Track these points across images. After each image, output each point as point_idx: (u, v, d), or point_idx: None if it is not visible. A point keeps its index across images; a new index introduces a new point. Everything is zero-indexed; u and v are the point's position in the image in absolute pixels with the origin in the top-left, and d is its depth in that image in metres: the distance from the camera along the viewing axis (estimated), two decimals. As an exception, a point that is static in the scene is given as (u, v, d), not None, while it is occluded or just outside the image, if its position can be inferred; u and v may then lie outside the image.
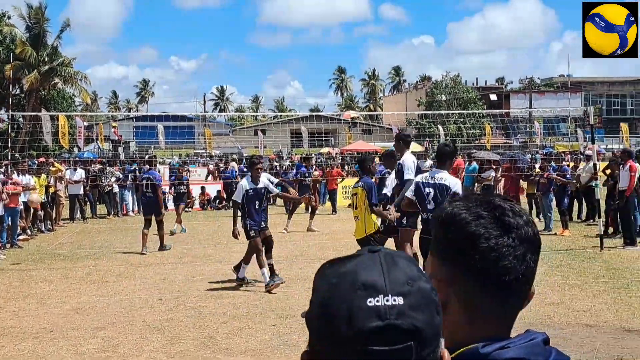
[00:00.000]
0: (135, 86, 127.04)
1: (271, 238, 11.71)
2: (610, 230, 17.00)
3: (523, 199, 21.18)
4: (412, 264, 1.19)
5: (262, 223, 11.53)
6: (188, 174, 24.57)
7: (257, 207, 11.43)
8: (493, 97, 75.43)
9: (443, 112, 52.01)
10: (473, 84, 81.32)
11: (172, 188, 20.27)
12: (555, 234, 17.38)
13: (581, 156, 22.64)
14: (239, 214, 11.66)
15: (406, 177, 9.98)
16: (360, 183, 10.01)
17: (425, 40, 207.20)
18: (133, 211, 24.89)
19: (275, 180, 13.35)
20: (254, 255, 11.27)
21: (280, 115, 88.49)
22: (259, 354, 7.81)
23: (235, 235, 11.72)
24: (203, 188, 27.12)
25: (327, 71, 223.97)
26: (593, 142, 16.25)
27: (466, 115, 58.88)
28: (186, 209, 20.66)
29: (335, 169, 26.85)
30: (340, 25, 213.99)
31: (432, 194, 8.92)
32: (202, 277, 12.38)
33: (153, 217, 15.53)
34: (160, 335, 8.66)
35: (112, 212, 24.43)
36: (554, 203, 18.14)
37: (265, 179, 11.71)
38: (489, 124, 45.23)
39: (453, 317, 1.38)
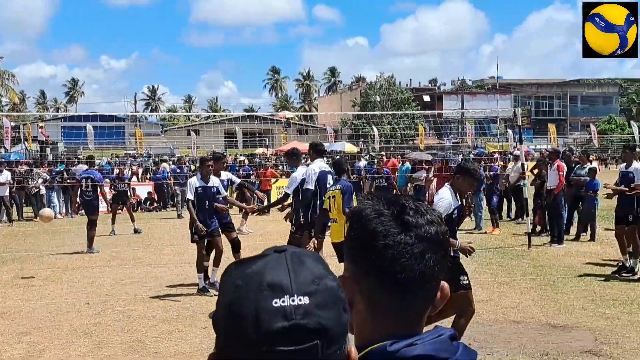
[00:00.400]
0: (64, 85, 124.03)
1: (237, 240, 11.50)
2: (538, 228, 17.42)
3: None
4: (319, 262, 1.20)
5: (214, 225, 11.04)
6: (129, 173, 24.27)
7: (206, 207, 10.95)
8: (426, 98, 76.52)
9: (377, 112, 52.51)
10: (407, 85, 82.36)
11: (112, 187, 20.15)
12: (485, 232, 17.71)
13: (510, 156, 23.14)
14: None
15: (305, 186, 10.12)
16: (338, 186, 9.75)
17: (359, 41, 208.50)
18: (60, 213, 24.32)
19: (238, 180, 12.94)
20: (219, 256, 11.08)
21: (214, 116, 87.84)
22: (188, 357, 7.70)
23: (198, 231, 10.84)
24: (133, 189, 26.66)
25: (262, 71, 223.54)
26: (521, 143, 16.64)
27: (400, 116, 59.57)
28: (118, 210, 20.28)
29: (269, 170, 26.70)
30: (275, 25, 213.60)
31: None
32: (131, 280, 12.15)
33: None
34: (88, 339, 8.46)
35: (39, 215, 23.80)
36: (484, 202, 18.48)
37: (217, 180, 11.25)
38: (422, 124, 45.82)
39: (359, 314, 1.40)
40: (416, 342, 1.32)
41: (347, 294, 1.33)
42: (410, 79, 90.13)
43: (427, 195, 21.92)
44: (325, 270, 1.20)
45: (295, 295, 1.13)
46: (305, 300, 1.13)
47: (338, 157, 16.02)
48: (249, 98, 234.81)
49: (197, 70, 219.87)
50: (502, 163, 21.09)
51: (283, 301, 1.12)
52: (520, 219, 19.32)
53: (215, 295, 10.71)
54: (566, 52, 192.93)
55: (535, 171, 18.18)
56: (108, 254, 15.29)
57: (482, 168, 19.20)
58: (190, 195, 10.99)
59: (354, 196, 9.68)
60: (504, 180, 19.50)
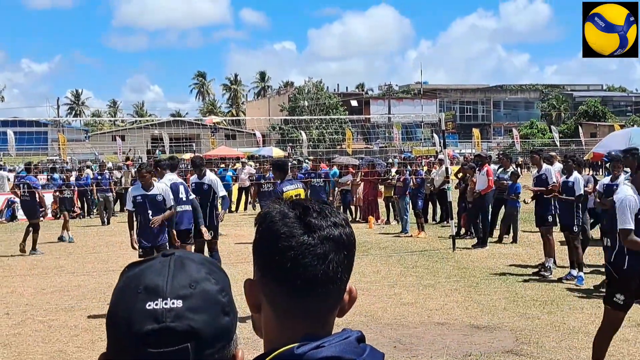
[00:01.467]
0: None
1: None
2: (463, 230, 17.77)
3: (381, 202, 21.81)
4: (203, 266, 1.24)
5: (159, 238, 10.20)
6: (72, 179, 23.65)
7: (149, 217, 10.08)
8: (354, 103, 77.21)
9: (306, 117, 52.59)
10: (335, 90, 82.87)
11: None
12: (411, 235, 17.95)
13: (434, 160, 23.52)
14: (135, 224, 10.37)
15: (170, 204, 10.38)
16: (299, 185, 9.98)
17: (287, 45, 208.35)
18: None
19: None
20: None
21: (140, 120, 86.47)
22: None
23: (132, 245, 10.26)
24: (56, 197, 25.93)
25: (188, 75, 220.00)
26: (445, 147, 16.93)
27: (328, 121, 59.87)
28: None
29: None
30: (200, 29, 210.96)
31: None
32: (52, 289, 11.82)
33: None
34: (7, 350, 8.20)
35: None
36: (410, 206, 18.72)
37: (163, 187, 10.38)
38: (349, 129, 46.22)
39: (266, 318, 1.42)
40: (323, 344, 1.33)
41: (252, 297, 1.42)
42: (338, 84, 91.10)
43: (354, 199, 22.13)
44: (207, 274, 1.23)
45: (169, 299, 1.16)
46: (179, 303, 1.16)
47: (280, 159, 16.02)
48: (175, 102, 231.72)
49: (122, 74, 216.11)
50: (426, 167, 21.44)
51: (156, 304, 1.15)
52: (445, 222, 19.65)
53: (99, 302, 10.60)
54: (489, 57, 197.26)
55: (460, 175, 18.53)
56: (29, 262, 14.84)
57: (408, 172, 19.35)
58: (128, 205, 10.34)
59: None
60: (428, 184, 19.81)
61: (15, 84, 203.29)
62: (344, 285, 1.42)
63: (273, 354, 1.33)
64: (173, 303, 1.16)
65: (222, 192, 11.91)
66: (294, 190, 9.74)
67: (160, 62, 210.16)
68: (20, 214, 19.84)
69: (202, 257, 1.29)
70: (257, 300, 1.42)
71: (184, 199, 11.02)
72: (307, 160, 30.85)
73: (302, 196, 9.62)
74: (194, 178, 12.13)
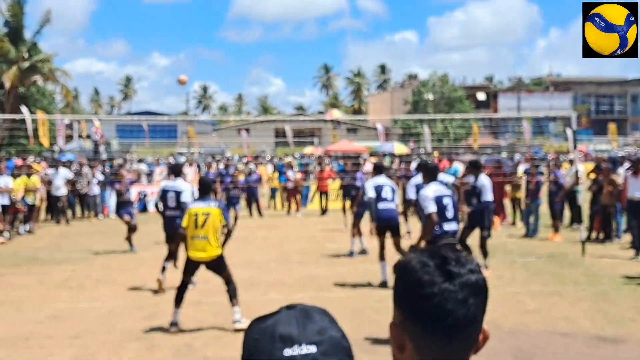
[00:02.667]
0: (119, 83, 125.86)
1: None
2: (594, 234, 17.05)
3: (507, 202, 21.26)
4: (325, 315, 1.41)
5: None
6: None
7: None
8: (481, 96, 75.66)
9: (427, 116, 51.98)
10: (461, 82, 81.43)
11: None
12: (547, 239, 17.35)
13: (565, 158, 22.66)
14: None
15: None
16: (213, 204, 9.47)
17: (406, 35, 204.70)
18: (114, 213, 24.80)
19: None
20: None
21: (265, 115, 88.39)
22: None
23: None
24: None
25: (306, 68, 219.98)
26: (575, 148, 16.29)
27: (452, 115, 59.01)
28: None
29: (326, 170, 25.21)
30: (316, 20, 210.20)
31: (450, 204, 9.16)
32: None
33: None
34: (138, 343, 8.62)
35: (93, 214, 24.25)
36: (543, 207, 18.11)
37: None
38: (476, 123, 45.37)
39: (410, 357, 1.54)
40: None
41: (397, 339, 1.56)
42: (464, 77, 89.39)
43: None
44: (330, 323, 1.40)
45: (304, 345, 1.32)
46: (312, 349, 1.31)
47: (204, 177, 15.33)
48: (296, 96, 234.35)
49: (242, 67, 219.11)
50: (564, 169, 20.47)
51: (293, 350, 1.31)
52: (574, 225, 18.93)
53: (224, 297, 10.89)
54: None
55: (592, 175, 17.80)
56: (160, 254, 15.46)
57: (540, 174, 18.57)
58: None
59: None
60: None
61: (143, 76, 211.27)
62: (480, 327, 1.55)
63: None
64: (308, 349, 1.31)
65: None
66: (203, 208, 9.37)
67: (278, 54, 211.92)
68: (151, 206, 20.54)
69: (320, 308, 1.44)
70: (402, 342, 1.55)
71: None
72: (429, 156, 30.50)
73: (214, 216, 9.26)
74: None
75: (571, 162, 18.98)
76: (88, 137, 35.46)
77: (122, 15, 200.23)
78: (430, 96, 69.94)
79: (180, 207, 11.69)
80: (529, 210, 18.26)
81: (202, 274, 12.70)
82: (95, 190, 24.19)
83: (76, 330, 9.19)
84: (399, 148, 43.81)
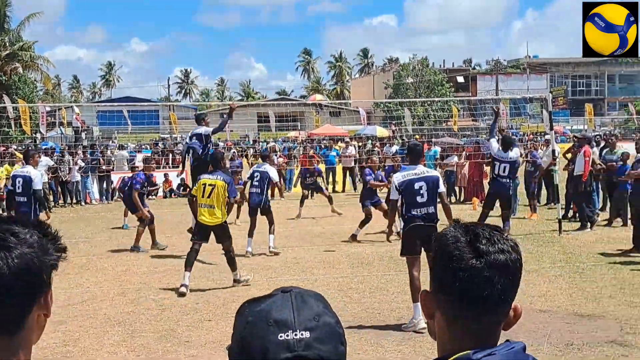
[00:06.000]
0: (100, 69, 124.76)
1: None
2: (570, 213, 17.30)
3: (486, 183, 21.45)
4: (320, 301, 1.41)
5: None
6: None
7: None
8: (460, 79, 75.91)
9: (409, 100, 52.08)
10: (440, 65, 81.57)
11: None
12: (524, 217, 17.62)
13: (540, 139, 22.89)
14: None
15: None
16: (220, 177, 10.86)
17: (384, 19, 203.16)
18: (96, 200, 24.76)
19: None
20: None
21: (247, 100, 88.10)
22: (219, 346, 7.85)
23: None
24: (166, 175, 26.81)
25: (287, 52, 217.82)
26: (551, 129, 16.46)
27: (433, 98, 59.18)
28: (150, 197, 20.42)
29: (310, 154, 25.30)
30: (296, 5, 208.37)
31: (425, 186, 8.89)
32: (165, 268, 12.38)
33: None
34: (121, 328, 8.70)
35: (75, 201, 24.19)
36: (520, 187, 18.36)
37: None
38: (455, 106, 45.51)
39: (439, 326, 1.63)
40: (494, 352, 1.52)
41: (426, 306, 1.64)
42: (444, 60, 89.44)
43: (458, 179, 21.91)
44: (325, 308, 1.39)
45: (298, 330, 1.32)
46: (307, 334, 1.32)
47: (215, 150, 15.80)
48: (278, 80, 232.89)
49: (222, 52, 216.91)
50: (541, 150, 20.72)
51: (287, 335, 1.32)
52: (551, 204, 19.17)
53: (209, 281, 11.01)
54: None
55: (569, 155, 18.02)
56: (142, 241, 15.47)
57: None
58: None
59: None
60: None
61: (122, 62, 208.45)
62: (508, 305, 1.60)
63: (452, 357, 1.53)
64: (302, 334, 1.32)
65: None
66: (211, 180, 10.81)
67: (258, 39, 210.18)
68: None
69: (315, 292, 1.45)
70: (431, 310, 1.63)
71: None
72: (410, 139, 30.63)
73: (220, 188, 10.65)
74: None
75: (547, 142, 19.18)
76: (69, 124, 35.25)
77: (99, 2, 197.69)
78: (411, 80, 70.08)
79: (29, 193, 11.80)
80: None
81: (182, 261, 12.77)
82: (77, 177, 24.11)
83: (60, 316, 9.22)
84: (381, 132, 43.91)
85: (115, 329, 8.64)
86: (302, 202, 19.34)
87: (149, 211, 14.79)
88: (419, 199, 8.73)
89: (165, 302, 9.92)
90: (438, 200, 8.98)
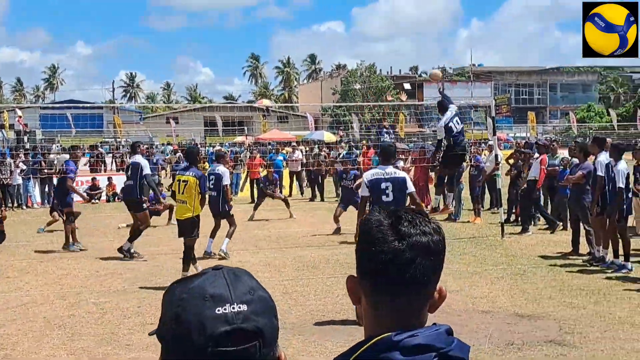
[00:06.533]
0: (44, 72, 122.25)
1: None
2: (512, 217, 17.61)
3: (431, 187, 21.68)
4: (251, 277, 1.43)
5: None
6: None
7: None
8: (407, 86, 76.63)
9: (357, 104, 52.42)
10: (387, 72, 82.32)
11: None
12: (468, 221, 17.87)
13: (484, 145, 23.27)
14: None
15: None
16: (191, 173, 11.27)
17: (332, 26, 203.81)
18: (37, 203, 24.22)
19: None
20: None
21: (194, 103, 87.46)
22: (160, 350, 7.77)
23: None
24: (110, 179, 26.41)
25: (234, 57, 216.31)
26: (494, 134, 16.76)
27: (379, 105, 59.65)
28: (93, 201, 20.14)
29: (257, 158, 25.32)
30: (242, 10, 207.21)
31: (391, 187, 9.09)
32: (106, 271, 12.18)
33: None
34: (61, 331, 8.52)
35: (16, 204, 23.64)
36: (464, 191, 18.61)
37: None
38: (402, 113, 45.96)
39: (365, 309, 1.63)
40: (416, 333, 1.52)
41: (351, 290, 1.64)
42: (391, 67, 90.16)
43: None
44: (258, 284, 1.42)
45: (235, 304, 1.33)
46: (244, 307, 1.33)
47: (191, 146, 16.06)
48: (225, 85, 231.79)
49: (168, 56, 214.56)
50: (485, 155, 21.08)
51: (225, 309, 1.32)
52: (494, 209, 19.47)
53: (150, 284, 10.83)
54: (543, 38, 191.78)
55: (511, 161, 18.33)
56: (84, 244, 15.21)
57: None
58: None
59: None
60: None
61: (67, 65, 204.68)
62: (432, 286, 1.60)
63: (374, 340, 1.53)
64: (240, 307, 1.33)
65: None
66: (184, 176, 11.31)
67: (205, 43, 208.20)
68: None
69: (244, 270, 1.46)
70: (358, 295, 1.63)
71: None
72: (356, 144, 30.81)
73: (192, 184, 11.05)
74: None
75: (490, 148, 19.50)
76: (11, 127, 34.49)
77: (42, 4, 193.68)
78: (358, 86, 70.58)
79: None
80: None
81: (124, 264, 12.60)
82: (18, 180, 23.57)
83: (-2, 320, 9.03)
84: (328, 136, 44.09)
85: (55, 333, 8.46)
86: (256, 207, 19.61)
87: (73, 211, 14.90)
88: (384, 198, 8.94)
89: (106, 305, 9.75)
90: (409, 200, 9.23)
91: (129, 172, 14.00)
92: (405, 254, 1.55)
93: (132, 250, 13.32)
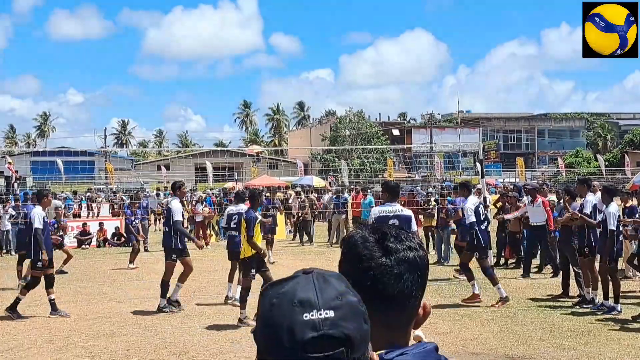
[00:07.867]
0: (35, 119, 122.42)
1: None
2: (502, 261, 17.63)
3: (420, 231, 21.73)
4: (342, 281, 1.43)
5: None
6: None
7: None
8: (396, 132, 77.19)
9: (347, 147, 52.73)
10: (376, 119, 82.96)
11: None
12: (457, 264, 17.83)
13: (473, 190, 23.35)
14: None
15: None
16: (245, 216, 11.26)
17: (321, 74, 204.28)
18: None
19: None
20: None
21: (185, 150, 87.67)
22: None
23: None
24: (101, 224, 26.40)
25: (226, 104, 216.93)
26: (482, 177, 16.91)
27: (369, 150, 60.02)
28: (83, 246, 20.06)
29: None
30: (231, 58, 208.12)
31: (398, 224, 9.25)
32: (95, 315, 12.09)
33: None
34: (49, 376, 8.43)
35: (5, 250, 23.52)
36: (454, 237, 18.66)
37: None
38: (391, 158, 46.27)
39: None
40: (406, 352, 1.55)
41: None
42: (380, 113, 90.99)
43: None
44: (347, 288, 1.41)
45: (322, 310, 1.34)
46: (331, 313, 1.34)
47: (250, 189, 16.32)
48: (215, 132, 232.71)
49: (159, 104, 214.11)
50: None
51: (312, 315, 1.33)
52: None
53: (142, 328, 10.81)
54: (530, 85, 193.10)
55: (499, 204, 18.44)
56: (73, 288, 15.17)
57: (448, 203, 19.36)
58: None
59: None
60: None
61: (58, 113, 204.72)
62: (418, 302, 1.64)
63: None
64: (327, 313, 1.34)
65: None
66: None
67: (195, 91, 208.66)
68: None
69: (336, 273, 1.47)
70: None
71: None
72: (345, 189, 31.00)
73: (243, 225, 11.10)
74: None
75: (479, 191, 19.58)
76: (1, 173, 34.43)
77: (33, 53, 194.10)
78: (347, 132, 71.03)
79: None
80: (440, 238, 18.79)
81: (112, 307, 12.50)
82: (8, 226, 23.47)
83: (-16, 365, 8.93)
84: (318, 182, 44.24)
85: (42, 377, 8.37)
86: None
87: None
88: None
89: (94, 349, 9.66)
90: None
91: (166, 217, 13.15)
92: (393, 270, 1.59)
93: (174, 298, 12.46)
